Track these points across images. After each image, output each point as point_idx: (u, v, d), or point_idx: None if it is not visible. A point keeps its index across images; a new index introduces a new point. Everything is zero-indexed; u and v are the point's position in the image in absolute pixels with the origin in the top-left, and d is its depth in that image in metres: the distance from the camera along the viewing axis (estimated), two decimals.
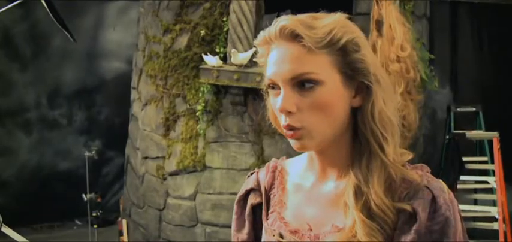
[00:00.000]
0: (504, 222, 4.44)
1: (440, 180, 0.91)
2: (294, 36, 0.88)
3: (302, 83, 0.88)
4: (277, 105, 0.90)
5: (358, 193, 0.89)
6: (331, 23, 0.90)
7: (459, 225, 0.89)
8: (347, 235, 0.88)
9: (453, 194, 0.92)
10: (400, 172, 0.90)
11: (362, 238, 0.86)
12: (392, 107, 0.92)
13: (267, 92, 0.98)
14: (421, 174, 0.91)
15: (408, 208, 0.87)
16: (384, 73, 0.94)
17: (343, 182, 0.93)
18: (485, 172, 4.91)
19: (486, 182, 4.74)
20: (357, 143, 0.93)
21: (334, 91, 0.89)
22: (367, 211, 0.87)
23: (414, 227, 0.86)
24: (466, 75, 6.62)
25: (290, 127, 0.89)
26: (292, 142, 0.92)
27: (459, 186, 4.66)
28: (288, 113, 0.89)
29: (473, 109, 5.33)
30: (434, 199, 0.87)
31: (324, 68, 0.88)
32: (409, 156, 0.94)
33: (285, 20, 0.90)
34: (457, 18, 6.62)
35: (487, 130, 5.04)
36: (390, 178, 0.90)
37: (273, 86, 0.92)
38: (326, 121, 0.89)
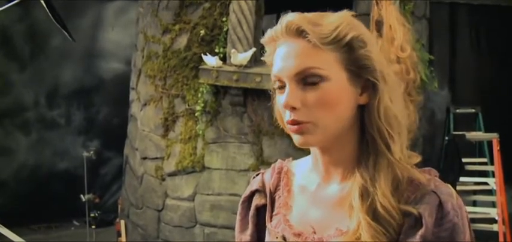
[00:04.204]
0: (503, 224, 4.43)
1: (449, 185, 0.89)
2: (300, 32, 0.88)
3: (307, 79, 0.88)
4: (281, 101, 0.89)
5: (365, 194, 0.87)
6: (337, 20, 0.90)
7: (467, 231, 0.87)
8: (351, 238, 0.87)
9: None
10: (407, 173, 0.89)
11: (366, 240, 0.85)
12: (399, 105, 0.92)
13: (274, 91, 0.97)
14: (429, 178, 0.90)
15: (414, 211, 0.85)
16: (391, 72, 0.93)
17: (348, 184, 0.92)
18: (484, 174, 4.90)
19: (485, 183, 4.73)
20: (363, 142, 0.92)
21: (340, 87, 0.88)
22: (372, 212, 0.86)
23: (419, 233, 0.84)
24: (465, 76, 6.61)
25: (294, 122, 0.89)
26: (295, 138, 0.90)
27: (458, 188, 4.64)
28: (293, 109, 0.88)
29: (473, 110, 5.32)
30: (441, 205, 0.85)
31: (329, 64, 0.87)
32: (417, 158, 0.93)
33: (291, 17, 0.90)
34: (456, 19, 6.61)
35: (486, 131, 5.03)
36: (397, 179, 0.88)
37: (280, 84, 0.91)
38: (331, 117, 0.88)
